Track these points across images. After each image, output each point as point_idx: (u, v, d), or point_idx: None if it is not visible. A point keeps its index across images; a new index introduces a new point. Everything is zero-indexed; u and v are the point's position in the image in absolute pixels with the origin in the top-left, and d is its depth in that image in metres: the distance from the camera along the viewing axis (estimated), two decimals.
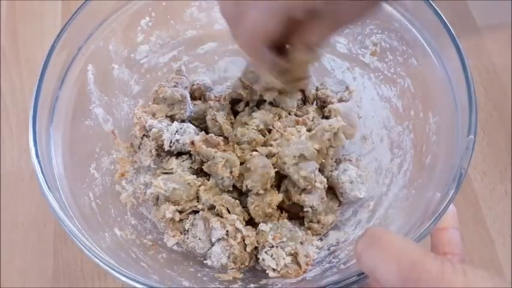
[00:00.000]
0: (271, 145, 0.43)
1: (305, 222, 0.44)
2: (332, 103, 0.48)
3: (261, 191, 0.41)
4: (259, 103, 0.49)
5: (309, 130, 0.44)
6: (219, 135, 0.46)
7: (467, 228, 0.51)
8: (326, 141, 0.42)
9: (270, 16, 0.32)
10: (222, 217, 0.41)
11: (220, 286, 0.39)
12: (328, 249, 0.43)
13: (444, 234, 0.34)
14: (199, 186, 0.44)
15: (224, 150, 0.44)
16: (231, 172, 0.42)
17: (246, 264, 0.41)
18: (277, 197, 0.42)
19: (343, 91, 0.50)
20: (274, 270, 0.39)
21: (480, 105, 0.57)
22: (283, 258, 0.39)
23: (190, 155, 0.46)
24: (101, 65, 0.45)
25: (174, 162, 0.46)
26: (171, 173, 0.45)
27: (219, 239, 0.41)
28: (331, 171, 0.46)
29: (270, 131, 0.46)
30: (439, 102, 0.40)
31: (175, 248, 0.43)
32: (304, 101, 0.51)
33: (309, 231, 0.44)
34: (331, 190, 0.45)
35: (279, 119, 0.46)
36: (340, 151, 0.49)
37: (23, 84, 0.62)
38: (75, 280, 0.50)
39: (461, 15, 0.64)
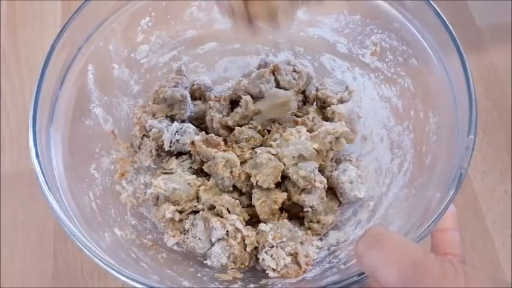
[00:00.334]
0: (270, 145, 0.43)
1: (305, 222, 0.44)
2: (332, 103, 0.48)
3: (272, 185, 0.41)
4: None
5: (309, 131, 0.44)
6: (219, 136, 0.46)
7: (467, 228, 0.51)
8: (327, 144, 0.42)
9: None
10: (222, 217, 0.41)
11: (220, 286, 0.39)
12: (328, 249, 0.43)
13: (444, 234, 0.34)
14: (199, 186, 0.44)
15: (224, 150, 0.44)
16: (231, 172, 0.42)
17: (246, 264, 0.41)
18: (282, 195, 0.42)
19: (343, 91, 0.50)
20: (274, 270, 0.39)
21: (480, 106, 0.57)
22: (283, 258, 0.39)
23: (190, 155, 0.46)
24: (100, 65, 0.45)
25: (174, 162, 0.46)
26: (171, 173, 0.45)
27: (219, 239, 0.41)
28: (331, 172, 0.46)
29: (269, 131, 0.46)
30: (439, 102, 0.40)
31: (175, 248, 0.43)
32: (304, 101, 0.51)
33: (309, 231, 0.44)
34: (331, 190, 0.45)
35: (279, 124, 0.47)
36: (340, 151, 0.49)
37: (23, 84, 0.62)
38: (75, 280, 0.49)
39: (461, 15, 0.64)
